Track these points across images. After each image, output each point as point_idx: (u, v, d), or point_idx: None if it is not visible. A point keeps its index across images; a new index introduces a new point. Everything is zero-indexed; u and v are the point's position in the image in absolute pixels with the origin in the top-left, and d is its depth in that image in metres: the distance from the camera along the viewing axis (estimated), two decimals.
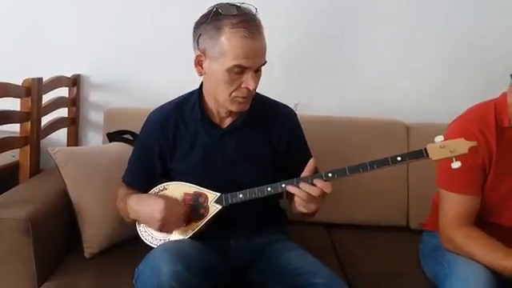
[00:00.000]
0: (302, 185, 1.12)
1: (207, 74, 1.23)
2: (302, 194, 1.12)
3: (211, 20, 1.16)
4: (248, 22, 1.14)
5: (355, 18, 1.93)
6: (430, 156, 1.09)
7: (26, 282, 1.29)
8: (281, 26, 1.85)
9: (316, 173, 1.15)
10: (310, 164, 1.15)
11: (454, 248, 1.30)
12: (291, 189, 1.14)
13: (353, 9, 1.93)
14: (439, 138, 1.09)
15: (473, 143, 1.09)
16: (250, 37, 1.13)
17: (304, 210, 1.16)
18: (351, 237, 1.72)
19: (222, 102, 1.24)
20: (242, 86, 1.18)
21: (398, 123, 1.86)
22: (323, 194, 1.11)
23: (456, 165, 1.08)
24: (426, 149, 1.10)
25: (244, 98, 1.21)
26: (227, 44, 1.14)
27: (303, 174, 1.15)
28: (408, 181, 1.80)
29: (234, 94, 1.20)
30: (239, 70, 1.16)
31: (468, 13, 1.91)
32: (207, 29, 1.17)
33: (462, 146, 1.08)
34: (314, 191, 1.11)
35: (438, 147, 1.09)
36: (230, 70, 1.16)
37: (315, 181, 1.12)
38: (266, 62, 1.20)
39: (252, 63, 1.16)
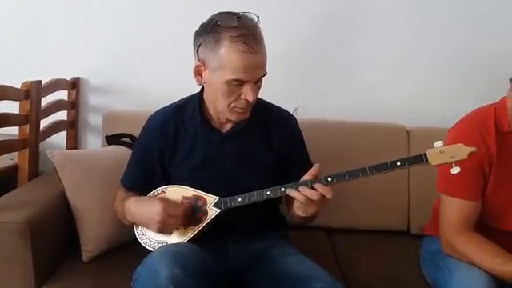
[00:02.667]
0: (302, 188, 1.12)
1: (207, 83, 1.23)
2: (301, 197, 1.12)
3: (210, 31, 1.15)
4: (248, 36, 1.13)
5: (354, 22, 1.93)
6: (430, 161, 1.09)
7: (23, 286, 1.28)
8: (281, 30, 1.85)
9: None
10: (314, 168, 1.15)
11: (455, 253, 1.29)
12: (292, 192, 1.13)
13: (352, 13, 1.93)
14: (438, 144, 1.09)
15: (472, 149, 1.09)
16: (248, 51, 1.12)
17: (302, 214, 1.16)
18: (351, 241, 1.71)
19: (221, 112, 1.24)
20: (242, 97, 1.18)
21: (398, 127, 1.86)
22: (323, 199, 1.11)
23: (455, 170, 1.08)
24: (425, 154, 1.10)
25: (243, 108, 1.21)
26: (226, 57, 1.13)
27: (304, 178, 1.14)
28: (409, 185, 1.79)
29: (232, 105, 1.20)
30: (238, 83, 1.16)
31: (466, 16, 1.91)
32: (206, 40, 1.16)
33: (462, 151, 1.08)
34: (313, 195, 1.10)
35: (438, 152, 1.09)
36: (228, 83, 1.16)
37: (316, 185, 1.11)
38: (266, 73, 1.20)
39: (251, 77, 1.16)
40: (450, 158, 1.08)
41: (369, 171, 1.12)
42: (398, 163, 1.11)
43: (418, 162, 1.10)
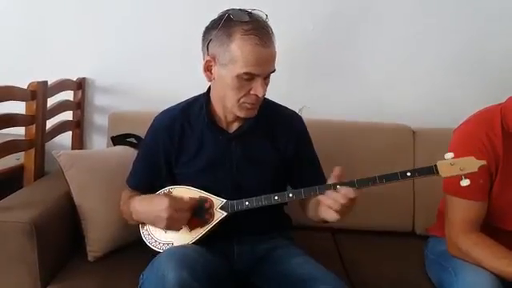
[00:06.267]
0: (336, 194, 1.07)
1: (216, 79, 1.23)
2: (335, 204, 1.07)
3: (222, 26, 1.16)
4: (260, 30, 1.14)
5: (360, 22, 1.93)
6: (440, 173, 1.10)
7: (29, 285, 1.29)
8: (286, 29, 1.82)
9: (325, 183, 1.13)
10: (337, 170, 1.11)
11: (460, 254, 1.29)
12: (324, 198, 1.09)
13: (357, 13, 1.93)
14: (449, 155, 1.10)
15: (483, 162, 1.09)
16: (261, 44, 1.13)
17: (333, 219, 1.10)
18: (356, 242, 1.71)
19: (230, 108, 1.24)
20: (251, 92, 1.18)
21: (404, 128, 1.85)
22: (353, 201, 1.07)
23: (465, 183, 1.09)
24: (436, 166, 1.10)
25: (252, 104, 1.21)
26: (238, 51, 1.13)
27: (330, 181, 1.11)
28: (414, 186, 1.78)
29: (242, 100, 1.20)
30: (249, 77, 1.16)
31: (471, 16, 1.91)
32: (218, 34, 1.16)
33: (472, 164, 1.09)
34: (344, 198, 1.06)
35: (448, 164, 1.09)
36: (239, 77, 1.16)
37: (341, 188, 1.07)
38: (275, 69, 1.20)
39: (262, 71, 1.16)
40: (461, 170, 1.08)
41: (378, 180, 1.11)
42: (408, 174, 1.11)
43: (428, 174, 1.10)
